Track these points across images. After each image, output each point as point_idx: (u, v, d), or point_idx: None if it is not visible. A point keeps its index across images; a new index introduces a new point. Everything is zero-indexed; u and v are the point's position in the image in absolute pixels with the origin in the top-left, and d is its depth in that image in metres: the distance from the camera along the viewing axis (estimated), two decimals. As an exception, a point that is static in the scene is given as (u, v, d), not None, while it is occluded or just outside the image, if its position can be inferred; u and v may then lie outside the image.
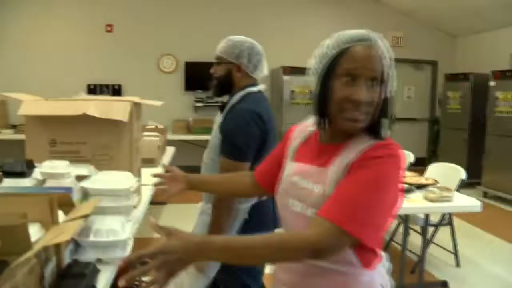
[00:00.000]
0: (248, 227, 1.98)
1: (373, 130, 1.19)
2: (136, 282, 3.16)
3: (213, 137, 2.08)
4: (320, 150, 1.25)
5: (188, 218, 2.55)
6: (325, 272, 1.19)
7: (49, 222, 1.46)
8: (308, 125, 1.36)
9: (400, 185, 1.15)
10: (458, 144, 7.33)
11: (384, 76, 1.18)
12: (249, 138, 1.89)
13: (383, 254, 1.28)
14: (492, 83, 6.60)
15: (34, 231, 1.36)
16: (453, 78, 7.60)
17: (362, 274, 1.20)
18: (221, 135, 1.99)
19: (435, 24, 8.53)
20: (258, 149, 1.95)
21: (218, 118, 2.10)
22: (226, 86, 2.08)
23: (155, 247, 1.00)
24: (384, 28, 8.43)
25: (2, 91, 6.58)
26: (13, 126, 6.89)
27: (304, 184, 1.22)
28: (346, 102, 1.14)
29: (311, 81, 1.23)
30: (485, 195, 6.65)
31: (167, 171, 1.69)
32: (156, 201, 1.82)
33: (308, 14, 8.12)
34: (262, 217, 2.01)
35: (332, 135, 1.23)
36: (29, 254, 1.15)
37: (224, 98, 2.16)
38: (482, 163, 6.79)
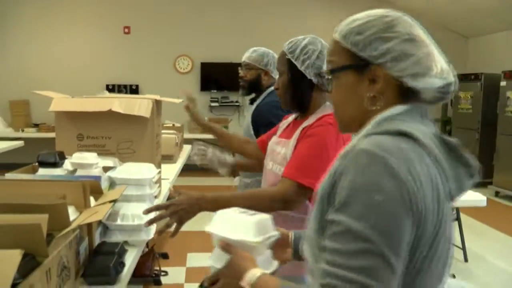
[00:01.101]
0: None
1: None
2: (155, 271, 3.34)
3: (245, 126, 2.61)
4: (292, 125, 1.74)
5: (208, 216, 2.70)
6: (288, 219, 1.56)
7: (82, 206, 1.63)
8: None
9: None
10: (469, 144, 7.39)
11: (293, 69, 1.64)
12: (279, 118, 2.25)
13: None
14: (503, 83, 6.66)
15: (70, 213, 1.53)
16: (464, 78, 7.66)
17: None
18: (253, 121, 2.53)
19: (446, 24, 8.58)
20: None
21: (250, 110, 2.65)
22: (255, 87, 2.62)
23: (169, 201, 1.41)
24: (396, 29, 8.53)
25: (25, 91, 6.81)
26: (36, 125, 7.14)
27: (276, 150, 1.69)
28: None
29: None
30: (497, 194, 6.70)
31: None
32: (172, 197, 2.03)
33: (319, 15, 8.24)
34: None
35: (298, 114, 1.75)
36: (70, 228, 1.32)
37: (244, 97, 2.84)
38: (493, 163, 6.85)
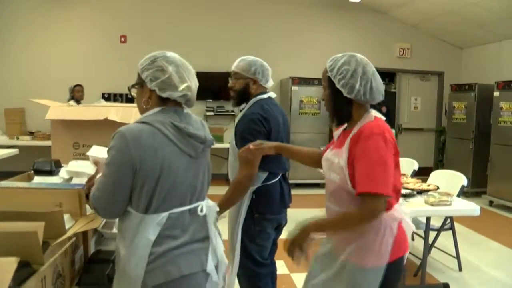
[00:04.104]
0: (255, 203, 2.43)
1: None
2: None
3: (232, 139, 2.52)
4: (342, 136, 1.86)
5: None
6: None
7: (78, 214, 1.63)
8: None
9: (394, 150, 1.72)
10: (463, 153, 7.43)
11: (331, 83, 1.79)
12: (257, 135, 2.32)
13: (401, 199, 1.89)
14: (496, 94, 6.70)
15: (66, 221, 1.53)
16: (458, 88, 7.72)
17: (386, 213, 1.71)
18: (235, 136, 2.45)
19: (441, 36, 8.68)
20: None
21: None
22: (244, 96, 2.51)
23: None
24: (392, 39, 8.60)
25: (20, 99, 6.78)
26: (31, 133, 7.12)
27: (331, 159, 1.82)
28: None
29: None
30: (491, 204, 6.72)
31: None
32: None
33: (317, 26, 8.31)
34: (268, 196, 2.46)
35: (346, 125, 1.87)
36: (66, 236, 1.32)
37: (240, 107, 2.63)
38: (487, 173, 6.88)
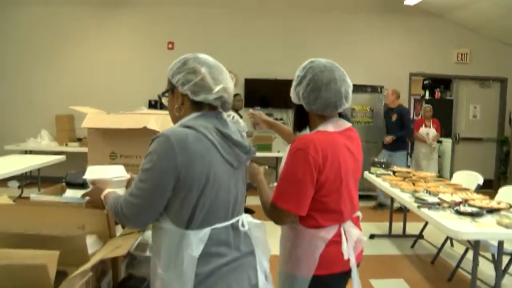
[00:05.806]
0: None
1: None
2: None
3: None
4: None
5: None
6: (287, 227, 1.74)
7: (106, 235, 1.45)
8: None
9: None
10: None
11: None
12: None
13: (345, 228, 1.72)
14: None
15: (91, 243, 1.35)
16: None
17: (306, 230, 1.68)
18: None
19: (504, 39, 8.09)
20: None
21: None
22: None
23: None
24: (449, 44, 8.11)
25: (70, 106, 6.86)
26: (79, 139, 7.20)
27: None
28: None
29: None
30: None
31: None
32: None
33: (368, 32, 7.94)
34: None
35: None
36: (86, 266, 1.14)
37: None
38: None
